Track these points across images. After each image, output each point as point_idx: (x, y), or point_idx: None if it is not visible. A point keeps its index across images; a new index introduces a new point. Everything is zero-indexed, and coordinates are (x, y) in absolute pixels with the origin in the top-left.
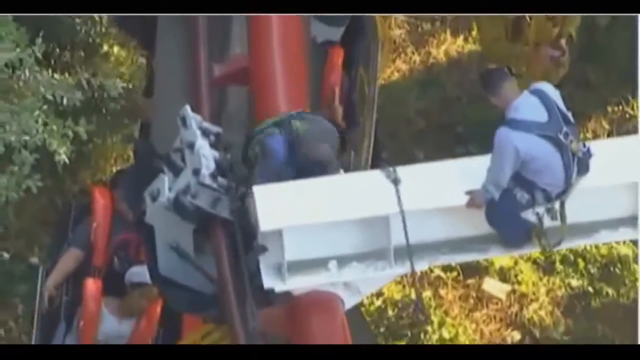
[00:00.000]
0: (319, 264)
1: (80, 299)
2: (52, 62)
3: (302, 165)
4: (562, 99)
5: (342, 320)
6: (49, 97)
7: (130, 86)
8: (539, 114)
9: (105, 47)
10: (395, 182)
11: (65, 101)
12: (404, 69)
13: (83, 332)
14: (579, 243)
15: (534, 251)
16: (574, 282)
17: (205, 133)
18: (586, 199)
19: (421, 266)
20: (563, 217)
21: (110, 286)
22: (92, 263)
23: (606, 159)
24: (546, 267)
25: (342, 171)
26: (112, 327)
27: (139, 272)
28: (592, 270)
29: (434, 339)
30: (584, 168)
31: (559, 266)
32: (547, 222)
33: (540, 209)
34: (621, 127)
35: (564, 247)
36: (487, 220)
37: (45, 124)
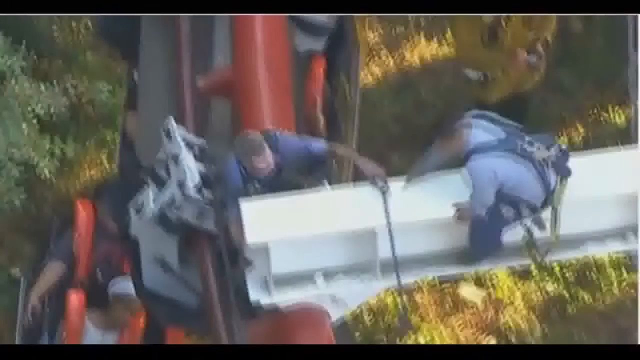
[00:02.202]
0: (306, 277)
1: (63, 312)
2: (32, 71)
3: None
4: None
5: (328, 333)
6: (36, 108)
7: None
8: (496, 133)
9: (85, 56)
10: (383, 190)
11: (52, 110)
12: (378, 73)
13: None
14: (576, 255)
15: (521, 262)
16: (550, 287)
17: (189, 145)
18: (583, 211)
19: (408, 279)
20: (557, 224)
21: (94, 298)
22: (75, 275)
23: (603, 171)
24: (522, 272)
25: (326, 183)
26: (95, 339)
27: (122, 285)
28: (568, 275)
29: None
30: (563, 171)
31: (534, 271)
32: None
33: (528, 221)
34: (596, 132)
35: (558, 257)
36: (469, 232)
37: (31, 139)
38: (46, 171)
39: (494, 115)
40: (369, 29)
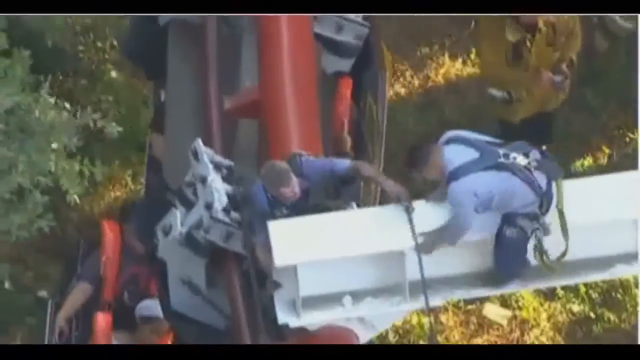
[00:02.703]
0: (334, 299)
1: (90, 333)
2: (56, 95)
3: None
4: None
5: None
6: (60, 138)
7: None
8: (468, 154)
9: (110, 75)
10: (408, 211)
11: (75, 139)
12: (403, 93)
13: None
14: (583, 279)
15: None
16: (575, 308)
17: (217, 167)
18: (586, 235)
19: (436, 301)
20: (565, 228)
21: (120, 320)
22: (102, 297)
23: (606, 195)
24: (547, 293)
25: (354, 204)
26: None
27: (150, 306)
28: (594, 296)
29: None
30: (551, 172)
31: (560, 291)
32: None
33: (536, 230)
34: (621, 151)
35: (568, 281)
36: (494, 260)
37: (59, 166)
38: (76, 197)
39: (463, 133)
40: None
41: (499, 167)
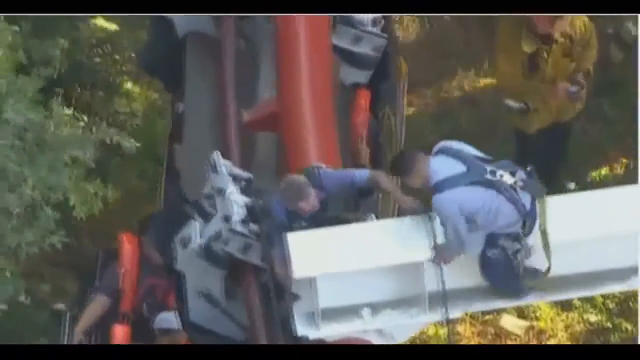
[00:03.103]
0: (353, 311)
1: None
2: (73, 107)
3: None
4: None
5: None
6: (76, 153)
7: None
8: (456, 167)
9: (126, 86)
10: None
11: (88, 155)
12: (417, 103)
13: None
14: (582, 294)
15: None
16: (592, 318)
17: (235, 179)
18: (587, 249)
19: (456, 313)
20: (547, 249)
21: (139, 332)
22: (120, 309)
23: (607, 209)
24: (564, 303)
25: (373, 216)
26: None
27: (168, 319)
28: (611, 306)
29: None
30: (536, 191)
31: (577, 302)
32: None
33: (517, 252)
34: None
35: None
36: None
37: (71, 182)
38: (82, 215)
39: (455, 145)
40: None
41: (486, 183)
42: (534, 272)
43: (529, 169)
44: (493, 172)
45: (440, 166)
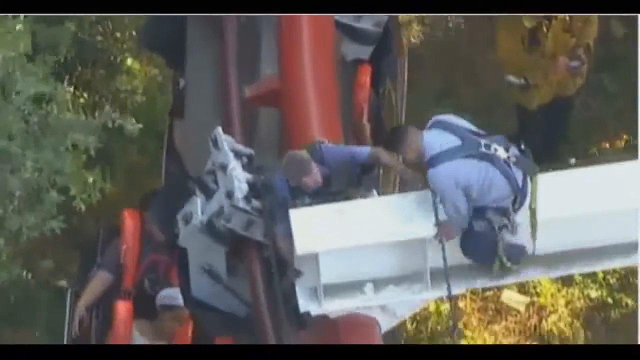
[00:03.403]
0: (355, 287)
1: (111, 322)
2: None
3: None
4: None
5: (378, 342)
6: (76, 138)
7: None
8: (450, 141)
9: (127, 63)
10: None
11: (89, 141)
12: (419, 79)
13: None
14: (583, 269)
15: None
16: (593, 293)
17: (237, 155)
18: (588, 225)
19: (458, 289)
20: (534, 229)
21: (141, 309)
22: (122, 285)
23: (607, 185)
24: (565, 279)
25: (375, 192)
26: None
27: (170, 295)
28: (612, 281)
29: None
30: (529, 169)
31: (577, 277)
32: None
33: (503, 228)
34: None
35: (562, 273)
36: (464, 254)
37: (73, 168)
38: (82, 205)
39: (450, 119)
40: (411, 36)
41: (480, 156)
42: (519, 250)
43: (522, 146)
44: (487, 146)
45: (435, 140)
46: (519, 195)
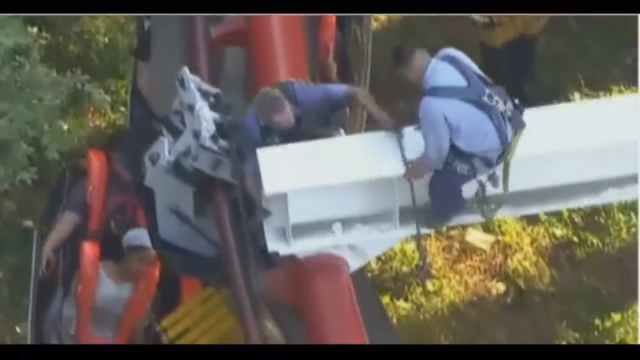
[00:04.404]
0: (324, 226)
1: (78, 263)
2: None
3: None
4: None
5: (347, 282)
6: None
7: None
8: (457, 79)
9: None
10: (399, 140)
11: (61, 97)
12: (382, 19)
13: (81, 296)
14: (583, 202)
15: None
16: (558, 232)
17: (204, 95)
18: (588, 158)
19: (427, 228)
20: (506, 181)
21: (108, 250)
22: (89, 226)
23: (605, 118)
24: (530, 217)
25: (342, 131)
26: (110, 291)
27: (137, 236)
28: (577, 220)
29: (417, 292)
30: (518, 124)
31: (542, 216)
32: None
33: (483, 177)
34: (602, 74)
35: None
36: (429, 191)
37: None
38: (55, 154)
39: (462, 58)
40: None
41: (480, 105)
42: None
43: (516, 101)
44: (490, 96)
45: (443, 73)
46: (505, 149)
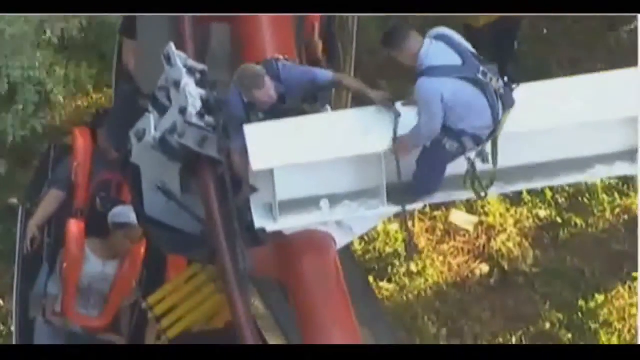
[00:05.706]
0: (311, 203)
1: (63, 241)
2: None
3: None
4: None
5: (334, 259)
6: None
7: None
8: (452, 58)
9: None
10: (396, 116)
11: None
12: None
13: (66, 273)
14: (576, 179)
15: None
16: (542, 213)
17: (190, 71)
18: (584, 133)
19: (414, 205)
20: (495, 157)
21: (93, 227)
22: (74, 204)
23: (604, 93)
24: (514, 198)
25: (328, 107)
26: (95, 268)
27: (123, 213)
28: (560, 201)
29: (401, 272)
30: (508, 102)
31: (526, 197)
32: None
33: (472, 154)
34: (592, 54)
35: (563, 181)
36: (417, 167)
37: (46, 64)
38: (60, 97)
39: (455, 37)
40: None
41: (475, 82)
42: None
43: (506, 79)
44: (485, 74)
45: (438, 53)
46: (496, 128)
